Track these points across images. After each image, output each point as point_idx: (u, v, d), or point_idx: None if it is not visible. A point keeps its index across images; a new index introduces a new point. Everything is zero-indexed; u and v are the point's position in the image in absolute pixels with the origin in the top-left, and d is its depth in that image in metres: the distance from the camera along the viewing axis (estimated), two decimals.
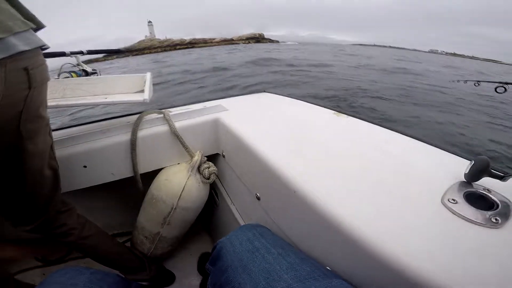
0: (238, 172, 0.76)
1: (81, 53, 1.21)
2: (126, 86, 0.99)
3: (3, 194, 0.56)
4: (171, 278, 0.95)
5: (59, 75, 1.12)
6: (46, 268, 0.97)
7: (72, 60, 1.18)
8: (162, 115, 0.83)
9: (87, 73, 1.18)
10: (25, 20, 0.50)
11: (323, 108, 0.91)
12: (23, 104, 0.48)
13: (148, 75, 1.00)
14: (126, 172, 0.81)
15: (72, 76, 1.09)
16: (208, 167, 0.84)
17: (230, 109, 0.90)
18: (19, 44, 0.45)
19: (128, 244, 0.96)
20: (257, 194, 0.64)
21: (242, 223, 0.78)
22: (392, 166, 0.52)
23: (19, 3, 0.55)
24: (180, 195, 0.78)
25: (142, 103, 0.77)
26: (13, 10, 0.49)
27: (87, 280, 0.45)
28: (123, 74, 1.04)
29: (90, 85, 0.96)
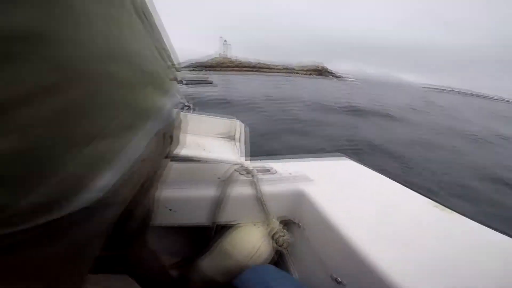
0: (314, 246, 0.75)
1: (181, 82, 1.31)
2: (215, 128, 1.07)
3: None
4: None
5: None
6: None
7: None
8: (251, 177, 0.87)
9: (183, 107, 1.26)
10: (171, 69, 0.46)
11: (416, 193, 0.83)
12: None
13: (238, 125, 1.02)
14: (204, 221, 0.85)
15: None
16: (283, 236, 0.85)
17: (314, 180, 0.91)
18: (171, 109, 0.42)
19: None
20: (338, 278, 0.60)
21: None
22: None
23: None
24: (252, 256, 0.80)
25: (240, 165, 0.84)
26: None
27: None
28: (212, 116, 1.10)
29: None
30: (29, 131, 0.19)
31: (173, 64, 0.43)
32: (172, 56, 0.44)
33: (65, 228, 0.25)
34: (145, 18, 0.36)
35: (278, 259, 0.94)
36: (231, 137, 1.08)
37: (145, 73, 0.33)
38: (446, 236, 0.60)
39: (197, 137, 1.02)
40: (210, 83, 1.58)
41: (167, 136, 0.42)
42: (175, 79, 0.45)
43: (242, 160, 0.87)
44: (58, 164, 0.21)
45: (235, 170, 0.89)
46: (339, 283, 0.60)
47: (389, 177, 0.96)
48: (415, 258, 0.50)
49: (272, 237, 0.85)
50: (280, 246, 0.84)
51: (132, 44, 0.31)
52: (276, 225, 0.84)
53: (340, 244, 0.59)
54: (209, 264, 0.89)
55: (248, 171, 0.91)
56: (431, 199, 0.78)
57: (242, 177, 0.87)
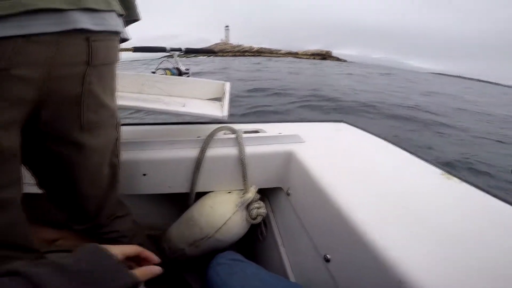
0: (303, 218, 0.65)
1: (179, 50, 1.23)
2: (203, 91, 0.96)
3: (57, 190, 0.51)
4: None
5: (155, 70, 1.14)
6: (53, 254, 0.97)
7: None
8: (234, 136, 0.74)
9: (180, 72, 1.17)
10: (112, 2, 0.43)
11: (423, 161, 0.70)
12: (81, 85, 0.40)
13: (227, 86, 0.92)
14: (182, 188, 0.76)
15: (166, 74, 1.09)
16: (258, 208, 0.75)
17: (307, 141, 0.79)
18: (84, 21, 0.38)
19: None
20: (327, 255, 0.51)
21: (289, 269, 0.68)
22: None
23: None
24: (220, 228, 0.71)
25: (221, 119, 0.71)
26: None
27: None
28: (202, 79, 1.02)
29: (168, 84, 0.91)
30: None
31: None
32: None
33: None
34: None
35: (264, 231, 0.86)
36: (219, 100, 0.96)
37: None
38: (450, 206, 0.50)
39: (181, 98, 0.92)
40: (213, 52, 1.58)
41: (91, 42, 0.39)
42: (108, 7, 0.42)
43: (226, 118, 0.74)
44: None
45: (217, 128, 0.78)
46: (328, 260, 0.51)
47: (394, 144, 0.82)
48: (415, 231, 0.41)
49: (246, 208, 0.74)
50: (253, 219, 0.74)
51: None
52: (252, 194, 0.73)
53: (334, 219, 0.50)
54: (175, 232, 0.81)
55: (232, 130, 0.80)
56: (440, 168, 0.67)
57: (226, 136, 0.76)
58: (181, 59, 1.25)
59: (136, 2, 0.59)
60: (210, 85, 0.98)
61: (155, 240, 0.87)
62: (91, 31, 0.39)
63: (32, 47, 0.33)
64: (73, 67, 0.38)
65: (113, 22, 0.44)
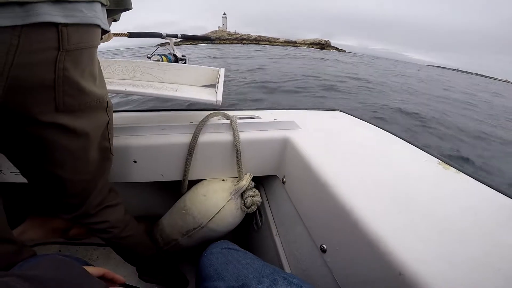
0: (299, 207, 0.64)
1: (176, 36, 1.20)
2: (197, 78, 0.93)
3: (40, 177, 0.49)
4: (185, 282, 0.86)
5: (150, 56, 1.11)
6: (63, 245, 0.96)
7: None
8: (229, 121, 0.72)
9: (176, 58, 1.14)
10: None
11: (420, 150, 0.69)
12: (54, 69, 0.38)
13: (222, 72, 0.89)
14: (175, 176, 0.74)
15: (162, 60, 1.06)
16: (253, 196, 0.73)
17: (303, 128, 0.77)
18: (53, 14, 0.35)
19: None
20: (323, 246, 0.50)
21: (284, 259, 0.68)
22: None
23: None
24: (213, 217, 0.69)
25: (214, 104, 0.68)
26: None
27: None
28: (196, 65, 0.98)
29: (160, 70, 0.88)
30: None
31: None
32: None
33: None
34: None
35: (259, 220, 0.85)
36: (213, 86, 0.94)
37: None
38: (449, 197, 0.49)
39: (174, 84, 0.89)
40: (210, 39, 1.55)
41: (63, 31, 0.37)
42: None
43: (219, 104, 0.71)
44: None
45: (210, 113, 0.76)
46: (324, 251, 0.50)
47: (390, 132, 0.81)
48: (414, 221, 0.40)
49: (241, 196, 0.73)
50: (247, 207, 0.72)
51: None
52: (247, 182, 0.71)
53: (330, 207, 0.48)
54: (168, 222, 0.80)
55: (226, 116, 0.77)
56: (437, 157, 0.67)
57: (219, 122, 0.73)
58: (181, 47, 1.21)
59: None
60: (204, 71, 0.94)
61: (148, 231, 0.86)
62: (61, 23, 0.36)
63: None
64: (41, 53, 0.36)
65: (90, 13, 0.41)
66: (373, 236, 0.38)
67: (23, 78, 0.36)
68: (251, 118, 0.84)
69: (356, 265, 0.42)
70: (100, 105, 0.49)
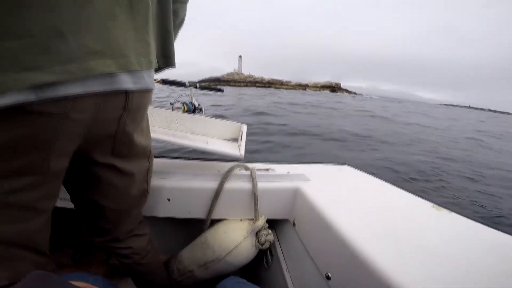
0: (307, 244, 0.74)
1: (195, 86, 1.44)
2: (222, 132, 1.10)
3: (86, 203, 0.58)
4: None
5: (173, 103, 1.33)
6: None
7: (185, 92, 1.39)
8: (249, 173, 0.87)
9: (195, 107, 1.37)
10: (151, 60, 0.49)
11: (418, 198, 0.80)
12: (117, 124, 0.48)
13: (244, 128, 1.07)
14: (200, 214, 0.85)
15: (184, 107, 1.28)
16: (266, 235, 0.84)
17: (312, 180, 0.90)
18: (127, 81, 0.45)
19: None
20: (328, 273, 0.59)
21: None
22: None
23: (168, 38, 0.58)
24: (231, 251, 0.79)
25: (238, 158, 0.85)
26: (152, 45, 0.49)
27: None
28: (222, 120, 1.19)
29: (193, 122, 1.07)
30: None
31: (147, 56, 0.48)
32: (151, 50, 0.49)
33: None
34: (136, 10, 0.43)
35: (270, 259, 0.92)
36: (235, 140, 1.12)
37: (110, 47, 0.39)
38: (442, 233, 0.57)
39: (204, 136, 1.06)
40: (221, 90, 1.75)
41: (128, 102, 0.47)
42: (149, 66, 0.49)
43: (242, 158, 0.88)
44: None
45: (234, 165, 0.91)
46: (329, 278, 0.59)
47: (391, 184, 0.92)
48: (407, 251, 0.49)
49: (256, 235, 0.83)
50: (261, 245, 0.82)
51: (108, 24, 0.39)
52: (262, 223, 0.83)
53: (334, 242, 0.58)
54: (188, 254, 0.88)
55: (247, 168, 0.93)
56: (431, 201, 0.76)
57: (241, 172, 0.88)
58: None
59: (175, 51, 0.63)
60: (228, 126, 1.15)
61: (165, 262, 0.93)
62: (131, 90, 0.46)
63: (87, 98, 0.40)
64: (114, 111, 0.46)
65: (149, 80, 0.51)
66: (371, 264, 0.46)
67: (96, 131, 0.45)
68: (267, 170, 0.98)
69: None
70: (144, 153, 0.60)
